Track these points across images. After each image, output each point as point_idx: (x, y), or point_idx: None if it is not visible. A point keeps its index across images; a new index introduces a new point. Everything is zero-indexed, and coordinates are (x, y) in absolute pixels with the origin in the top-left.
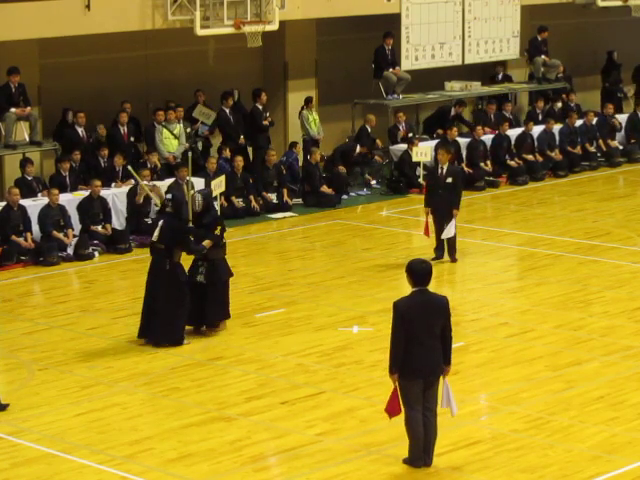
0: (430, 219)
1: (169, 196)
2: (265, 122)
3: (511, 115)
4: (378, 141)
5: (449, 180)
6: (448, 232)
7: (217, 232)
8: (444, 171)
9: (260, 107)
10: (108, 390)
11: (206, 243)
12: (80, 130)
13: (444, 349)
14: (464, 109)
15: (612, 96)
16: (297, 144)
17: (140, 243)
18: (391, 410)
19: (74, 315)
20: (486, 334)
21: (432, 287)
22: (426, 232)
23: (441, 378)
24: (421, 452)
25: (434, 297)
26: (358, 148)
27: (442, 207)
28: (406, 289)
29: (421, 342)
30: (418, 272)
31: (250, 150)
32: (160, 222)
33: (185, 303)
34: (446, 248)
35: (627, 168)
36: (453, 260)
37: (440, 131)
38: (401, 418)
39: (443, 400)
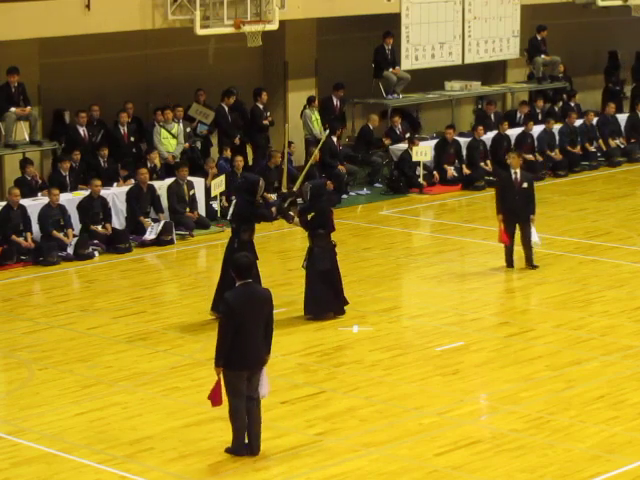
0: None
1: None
2: (265, 121)
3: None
4: (386, 140)
5: (525, 185)
6: (534, 239)
7: (308, 217)
8: (519, 176)
9: (261, 106)
10: (108, 389)
11: (293, 211)
12: (82, 130)
13: (266, 339)
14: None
15: (615, 95)
16: (292, 144)
17: (140, 243)
18: (214, 400)
19: (74, 315)
20: (486, 334)
21: (433, 287)
22: (504, 239)
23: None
24: (244, 441)
25: (259, 290)
26: (335, 140)
27: (518, 213)
28: (406, 288)
29: (249, 334)
30: (240, 266)
31: (249, 149)
32: (234, 200)
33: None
34: (524, 256)
35: (627, 168)
36: (534, 267)
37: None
38: (397, 418)
39: (260, 386)
